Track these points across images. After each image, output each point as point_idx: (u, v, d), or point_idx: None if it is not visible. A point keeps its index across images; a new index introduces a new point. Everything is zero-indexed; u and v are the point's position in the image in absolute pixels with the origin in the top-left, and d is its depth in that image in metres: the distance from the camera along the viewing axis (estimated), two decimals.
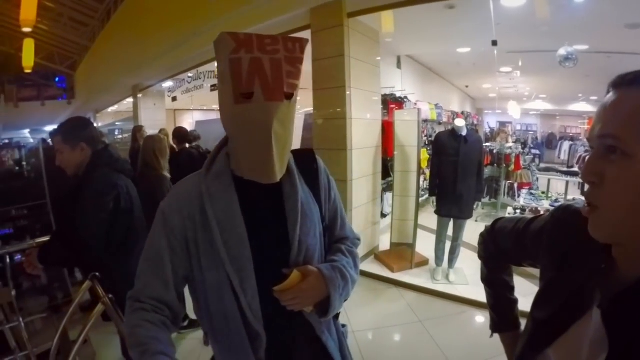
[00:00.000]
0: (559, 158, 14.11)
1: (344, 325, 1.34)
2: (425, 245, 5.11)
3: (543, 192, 6.42)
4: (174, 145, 5.40)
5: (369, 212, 5.32)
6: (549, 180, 7.23)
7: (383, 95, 5.87)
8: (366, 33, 4.97)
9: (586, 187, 0.67)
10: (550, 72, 8.63)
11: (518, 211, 5.62)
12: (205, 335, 1.20)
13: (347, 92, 4.58)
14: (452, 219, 4.54)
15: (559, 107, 15.66)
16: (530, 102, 14.52)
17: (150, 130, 7.06)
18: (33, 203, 4.14)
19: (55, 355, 2.08)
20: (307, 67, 4.88)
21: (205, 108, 15.09)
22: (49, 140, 6.05)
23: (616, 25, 5.16)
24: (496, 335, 1.23)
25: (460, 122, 4.44)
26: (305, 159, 1.24)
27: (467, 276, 4.55)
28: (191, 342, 3.37)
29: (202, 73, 8.46)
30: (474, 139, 4.50)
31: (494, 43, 5.32)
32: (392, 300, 4.24)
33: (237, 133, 1.06)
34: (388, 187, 5.95)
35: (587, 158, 0.65)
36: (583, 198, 0.70)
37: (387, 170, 5.74)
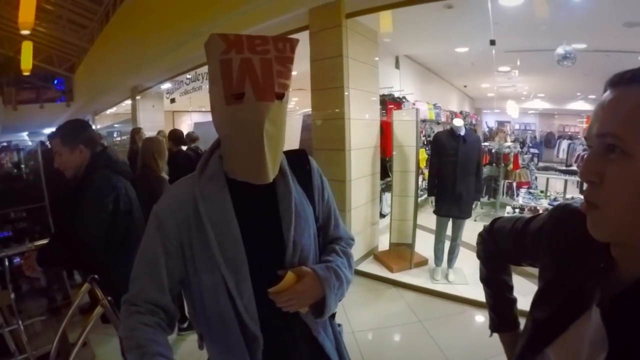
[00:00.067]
0: (558, 157, 14.11)
1: (339, 325, 1.34)
2: (424, 245, 5.11)
3: (542, 191, 6.42)
4: (170, 148, 5.39)
5: (367, 213, 5.32)
6: (547, 179, 7.23)
7: (381, 96, 5.87)
8: (364, 33, 4.97)
9: (584, 185, 0.67)
10: (549, 71, 8.64)
11: (517, 210, 5.63)
12: (199, 338, 1.20)
13: (346, 93, 4.58)
14: (451, 219, 4.54)
15: (557, 106, 15.69)
16: (529, 101, 14.55)
17: (148, 132, 7.07)
18: (32, 205, 4.14)
19: (55, 357, 2.08)
20: (305, 67, 4.88)
21: (203, 110, 15.07)
22: (48, 143, 6.04)
23: (614, 23, 5.17)
24: (495, 335, 1.23)
25: (458, 122, 4.44)
26: (298, 159, 1.24)
27: (466, 276, 4.55)
28: (191, 344, 3.36)
29: (201, 74, 8.47)
30: (472, 138, 4.50)
31: (492, 42, 5.33)
32: (392, 301, 4.24)
33: (229, 134, 1.05)
34: (387, 187, 5.95)
35: (585, 157, 0.65)
36: (582, 197, 0.70)
37: (385, 170, 5.74)
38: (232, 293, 1.04)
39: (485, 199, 7.66)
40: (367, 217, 5.33)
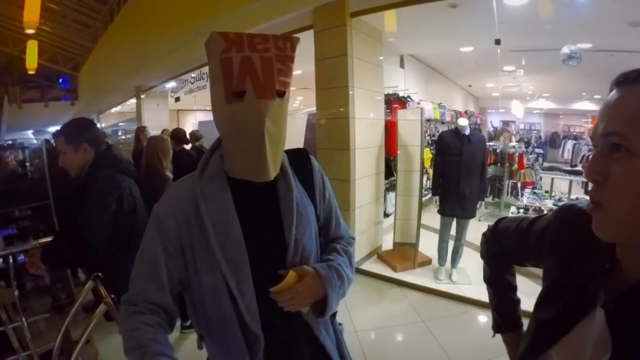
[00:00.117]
0: (563, 157, 14.06)
1: (339, 324, 1.33)
2: (428, 244, 5.10)
3: (546, 192, 6.41)
4: (173, 147, 5.41)
5: (371, 212, 5.32)
6: (552, 179, 7.21)
7: (386, 95, 5.87)
8: (369, 32, 4.97)
9: (589, 185, 0.67)
10: (554, 71, 8.60)
11: (521, 210, 5.60)
12: (199, 338, 1.20)
13: (350, 92, 4.57)
14: (455, 219, 4.53)
15: (562, 106, 15.63)
16: (534, 101, 14.50)
17: (153, 130, 7.09)
18: (36, 204, 4.16)
19: (58, 355, 2.09)
20: (310, 67, 4.89)
21: (208, 108, 15.04)
22: (52, 141, 6.07)
23: (619, 23, 5.14)
24: (498, 336, 1.22)
25: (463, 122, 4.43)
26: (299, 159, 1.24)
27: (470, 276, 4.53)
28: (193, 342, 3.34)
29: (205, 73, 8.47)
30: (477, 138, 4.48)
31: (497, 42, 5.30)
32: (395, 300, 4.24)
33: (230, 133, 1.05)
34: (391, 187, 5.95)
35: (590, 157, 0.65)
36: (586, 197, 0.69)
37: (390, 169, 5.73)
38: (233, 293, 1.04)
39: (489, 199, 7.65)
40: (371, 216, 5.32)
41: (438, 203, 4.59)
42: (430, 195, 5.03)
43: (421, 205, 5.05)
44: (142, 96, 10.49)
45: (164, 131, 6.81)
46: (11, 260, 2.53)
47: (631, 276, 0.65)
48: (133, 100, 11.30)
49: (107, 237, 2.07)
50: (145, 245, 1.09)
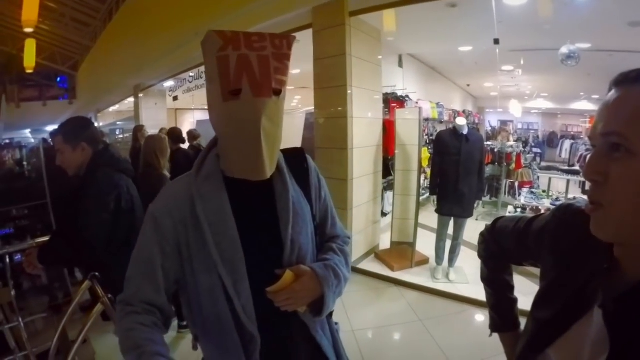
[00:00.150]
0: (560, 157, 14.09)
1: (336, 323, 1.33)
2: (425, 244, 5.10)
3: (544, 191, 6.41)
4: (170, 146, 5.40)
5: (369, 211, 5.32)
6: (549, 179, 7.23)
7: (384, 94, 5.86)
8: (368, 32, 4.97)
9: (587, 185, 0.67)
10: (552, 71, 8.60)
11: (519, 210, 5.61)
12: (194, 339, 1.19)
13: (349, 91, 4.57)
14: (452, 218, 4.53)
15: (560, 105, 15.65)
16: (532, 100, 14.51)
17: (151, 129, 7.07)
18: (34, 203, 4.14)
19: (55, 355, 2.08)
20: (308, 66, 4.89)
21: (206, 107, 14.66)
22: (50, 140, 6.06)
23: (619, 23, 5.14)
24: (495, 335, 1.22)
25: (461, 121, 4.43)
26: (295, 158, 1.24)
27: (467, 275, 4.54)
28: (190, 342, 3.36)
29: (204, 72, 8.41)
30: (475, 137, 4.49)
31: (496, 41, 5.31)
32: (393, 299, 4.24)
33: (227, 131, 1.05)
34: (389, 186, 5.95)
35: (588, 157, 0.65)
36: (584, 197, 0.69)
37: (388, 169, 5.73)
38: (229, 293, 1.03)
39: (487, 199, 7.65)
40: (369, 215, 5.33)
41: (436, 202, 4.59)
42: (427, 194, 5.02)
43: (419, 205, 5.05)
44: (140, 95, 10.48)
45: (161, 130, 6.80)
46: (8, 260, 2.52)
47: (630, 276, 0.65)
48: (131, 99, 11.28)
49: (106, 237, 2.06)
50: (141, 245, 1.09)
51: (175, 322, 3.31)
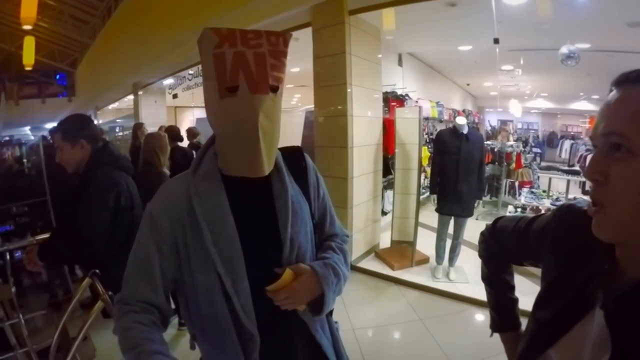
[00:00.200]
0: (560, 157, 14.07)
1: (335, 322, 1.33)
2: (425, 243, 5.10)
3: (544, 191, 6.41)
4: None
5: (369, 210, 5.32)
6: (549, 178, 7.23)
7: (384, 93, 5.86)
8: (367, 30, 4.96)
9: (587, 185, 0.67)
10: (552, 71, 8.60)
11: (519, 210, 5.61)
12: (191, 338, 1.18)
13: (349, 90, 4.57)
14: (452, 217, 4.53)
15: (560, 105, 15.63)
16: (532, 100, 14.49)
17: (150, 127, 7.06)
18: (33, 200, 4.15)
19: (55, 352, 2.09)
20: (308, 64, 4.88)
21: None
22: (49, 138, 6.05)
23: (618, 23, 5.14)
24: (496, 335, 1.22)
25: (461, 120, 4.43)
26: (293, 156, 1.23)
27: (467, 274, 4.54)
28: None
29: None
30: (475, 137, 4.49)
31: (496, 41, 5.31)
32: (393, 299, 4.24)
33: (224, 128, 1.05)
34: (389, 185, 5.96)
35: (588, 157, 0.65)
36: (584, 197, 0.70)
37: (388, 167, 5.73)
38: (228, 292, 1.03)
39: (487, 198, 7.64)
40: (369, 214, 5.33)
41: (436, 201, 4.59)
42: (428, 193, 5.03)
43: (419, 204, 5.05)
44: (140, 93, 10.46)
45: (160, 128, 6.80)
46: (8, 257, 2.52)
47: (631, 276, 0.65)
48: (130, 97, 11.25)
49: (107, 235, 2.06)
50: (138, 244, 1.09)
51: (175, 320, 3.31)
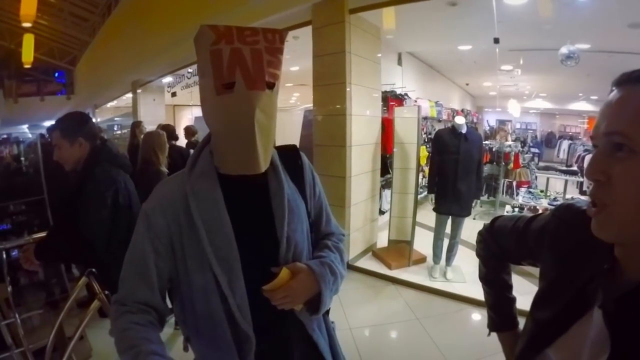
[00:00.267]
0: (558, 157, 14.08)
1: (332, 322, 1.33)
2: (423, 242, 5.11)
3: (542, 191, 6.41)
4: None
5: (367, 209, 5.32)
6: (547, 178, 7.22)
7: (383, 92, 5.85)
8: (367, 29, 4.96)
9: (585, 185, 0.67)
10: (552, 71, 8.60)
11: (516, 209, 5.62)
12: (185, 340, 1.17)
13: (348, 89, 4.57)
14: (450, 217, 4.53)
15: (558, 106, 15.64)
16: (531, 100, 14.50)
17: (149, 126, 7.05)
18: (31, 198, 4.13)
19: (51, 351, 2.07)
20: (307, 63, 4.88)
21: None
22: (47, 136, 6.04)
23: (619, 24, 5.14)
24: (493, 334, 1.22)
25: (460, 120, 4.43)
26: (289, 155, 1.23)
27: (464, 274, 4.55)
28: None
29: None
30: (474, 136, 4.49)
31: (496, 41, 5.31)
32: (390, 298, 4.24)
33: (220, 125, 1.04)
34: (387, 184, 5.95)
35: (586, 157, 0.65)
36: (581, 197, 0.69)
37: (386, 167, 5.73)
38: (224, 292, 1.02)
39: (485, 198, 7.65)
40: (367, 213, 5.33)
41: (434, 201, 4.59)
42: (426, 193, 5.03)
43: (417, 203, 5.05)
44: (139, 91, 10.44)
45: (159, 126, 6.79)
46: (4, 256, 2.51)
47: (631, 276, 0.65)
48: (129, 95, 11.23)
49: (107, 234, 2.06)
50: (134, 244, 1.08)
51: (172, 319, 3.30)
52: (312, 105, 5.09)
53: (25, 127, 18.42)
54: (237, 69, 0.95)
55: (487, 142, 8.10)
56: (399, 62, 7.48)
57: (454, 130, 4.42)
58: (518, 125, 17.41)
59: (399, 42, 6.75)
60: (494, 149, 7.79)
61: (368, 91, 5.06)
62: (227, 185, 1.08)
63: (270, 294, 1.05)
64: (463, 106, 12.65)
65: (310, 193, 1.25)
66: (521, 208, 5.62)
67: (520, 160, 7.67)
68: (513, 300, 1.21)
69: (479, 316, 3.75)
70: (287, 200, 1.12)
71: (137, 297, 1.04)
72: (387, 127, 5.56)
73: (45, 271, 3.59)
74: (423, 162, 6.52)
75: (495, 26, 4.92)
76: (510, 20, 4.95)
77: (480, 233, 1.23)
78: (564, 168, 7.76)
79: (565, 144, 13.62)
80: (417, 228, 5.08)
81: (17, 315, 2.42)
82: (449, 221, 4.56)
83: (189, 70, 8.74)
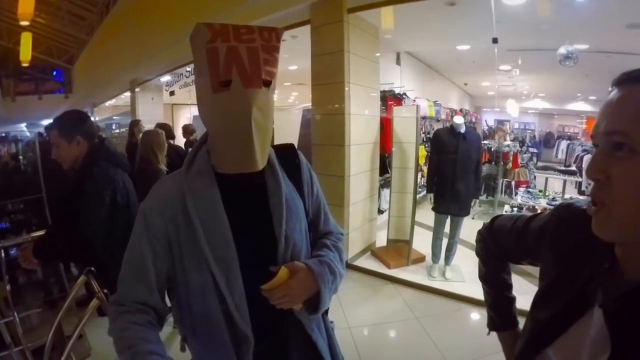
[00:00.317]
0: (557, 157, 14.10)
1: (331, 322, 1.32)
2: (422, 242, 5.11)
3: (540, 191, 6.42)
4: None
5: (366, 208, 5.32)
6: (546, 178, 7.23)
7: (382, 92, 5.85)
8: (366, 29, 4.96)
9: (583, 185, 0.67)
10: (550, 71, 8.60)
11: (515, 209, 5.63)
12: (182, 340, 1.17)
13: (346, 88, 4.56)
14: (449, 216, 4.54)
15: (557, 106, 15.66)
16: (529, 100, 14.51)
17: (147, 124, 7.04)
18: (29, 197, 4.12)
19: (50, 350, 2.07)
20: (306, 62, 4.87)
21: None
22: (45, 134, 6.03)
23: (617, 25, 5.14)
24: (492, 333, 1.22)
25: (459, 119, 4.43)
26: (286, 154, 1.23)
27: (463, 273, 4.55)
28: None
29: None
30: (472, 136, 4.49)
31: (495, 41, 5.31)
32: (389, 297, 4.24)
33: (217, 123, 1.04)
34: (386, 184, 5.95)
35: (584, 157, 0.65)
36: (579, 197, 0.69)
37: (384, 166, 5.73)
38: (222, 292, 1.02)
39: (483, 197, 7.66)
40: (366, 213, 5.33)
41: (432, 200, 4.59)
42: (424, 192, 5.03)
43: (415, 203, 5.06)
44: (137, 90, 10.42)
45: (157, 125, 6.78)
46: (3, 254, 2.50)
47: (631, 276, 0.65)
48: (127, 94, 11.21)
49: (105, 233, 2.05)
50: (132, 244, 1.08)
51: (171, 318, 3.30)
52: (310, 104, 5.08)
53: (23, 126, 18.38)
54: (234, 66, 0.95)
55: (485, 141, 8.11)
56: (398, 62, 7.48)
57: (452, 129, 4.42)
58: (516, 125, 17.42)
59: (397, 41, 6.74)
60: (492, 149, 7.79)
61: (366, 90, 5.06)
62: (225, 185, 1.07)
63: (268, 294, 1.05)
64: (461, 106, 12.66)
65: (308, 192, 1.24)
66: (520, 208, 5.63)
67: (519, 160, 7.68)
68: (513, 299, 1.21)
69: (478, 315, 3.75)
70: (285, 199, 1.11)
71: (136, 297, 1.04)
72: (385, 127, 5.56)
73: (44, 270, 3.58)
74: (422, 161, 6.52)
75: (493, 26, 4.92)
76: (508, 20, 4.95)
77: (479, 232, 1.23)
78: (563, 168, 7.77)
79: (563, 144, 13.64)
80: (416, 227, 5.08)
81: (15, 314, 2.41)
82: (448, 220, 4.56)
83: (187, 69, 8.72)
